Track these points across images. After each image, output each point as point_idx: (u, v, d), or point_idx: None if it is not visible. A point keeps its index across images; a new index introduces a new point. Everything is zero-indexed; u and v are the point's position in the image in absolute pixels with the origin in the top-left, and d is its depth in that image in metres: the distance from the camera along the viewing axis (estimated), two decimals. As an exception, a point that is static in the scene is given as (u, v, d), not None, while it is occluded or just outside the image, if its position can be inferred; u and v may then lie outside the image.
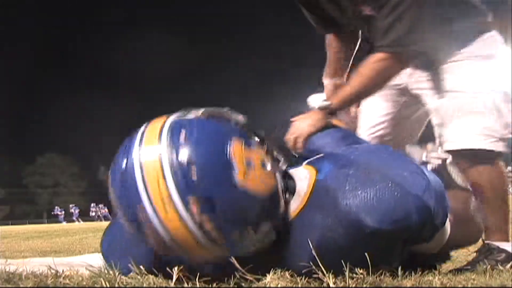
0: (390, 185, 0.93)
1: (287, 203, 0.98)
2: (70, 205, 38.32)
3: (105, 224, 19.95)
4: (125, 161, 0.89)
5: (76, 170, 67.00)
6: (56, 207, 37.72)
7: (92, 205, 36.83)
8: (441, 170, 1.28)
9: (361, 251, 0.93)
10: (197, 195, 0.83)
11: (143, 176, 0.85)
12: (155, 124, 0.93)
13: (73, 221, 32.40)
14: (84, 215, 39.13)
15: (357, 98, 1.62)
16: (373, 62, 1.54)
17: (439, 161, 1.32)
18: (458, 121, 1.58)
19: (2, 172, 60.49)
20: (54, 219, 37.33)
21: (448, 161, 1.33)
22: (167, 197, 0.83)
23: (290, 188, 1.03)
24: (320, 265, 0.94)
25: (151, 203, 0.85)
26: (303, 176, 1.04)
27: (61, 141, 71.92)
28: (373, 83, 1.55)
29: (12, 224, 32.02)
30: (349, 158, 1.02)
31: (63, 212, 36.53)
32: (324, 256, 0.95)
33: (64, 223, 28.67)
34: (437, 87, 1.65)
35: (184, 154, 0.86)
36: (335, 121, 1.44)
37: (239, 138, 0.93)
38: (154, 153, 0.86)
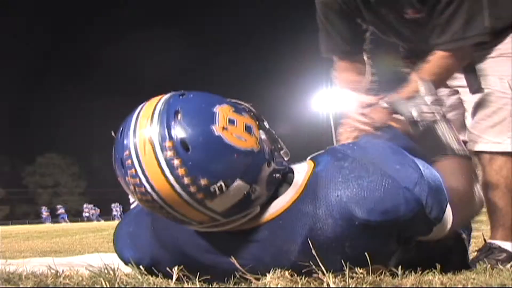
0: (381, 177, 0.94)
1: (277, 189, 1.01)
2: (58, 206, 38.19)
3: (104, 224, 19.92)
4: (121, 127, 0.98)
5: (76, 170, 67.00)
6: (43, 207, 37.57)
7: (85, 205, 36.75)
8: (434, 128, 1.24)
9: (351, 244, 0.94)
10: (173, 139, 0.88)
11: (135, 127, 0.93)
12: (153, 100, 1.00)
13: (59, 222, 32.23)
14: (83, 215, 39.15)
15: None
16: (436, 59, 1.54)
17: (432, 117, 1.25)
18: (491, 120, 1.59)
19: (2, 172, 60.50)
20: (54, 219, 37.28)
21: (440, 119, 1.25)
22: (150, 140, 0.90)
23: (288, 180, 1.05)
24: (315, 253, 0.95)
25: (135, 148, 0.91)
26: (302, 169, 1.06)
27: (61, 141, 71.91)
28: (438, 79, 1.54)
29: (12, 224, 32.01)
30: (346, 152, 1.03)
31: (48, 212, 36.42)
32: (312, 247, 0.96)
33: (48, 224, 28.51)
34: (473, 84, 1.66)
35: (174, 104, 0.94)
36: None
37: (231, 104, 0.98)
38: (148, 108, 0.96)
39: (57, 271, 1.29)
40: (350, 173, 0.97)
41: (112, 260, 1.69)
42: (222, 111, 0.94)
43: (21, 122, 78.76)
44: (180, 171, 0.88)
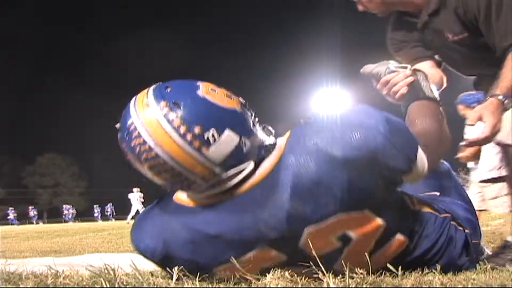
0: (350, 123, 1.07)
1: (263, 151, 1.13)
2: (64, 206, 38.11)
3: (102, 224, 19.81)
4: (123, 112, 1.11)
5: (76, 170, 66.97)
6: (31, 207, 37.44)
7: (64, 206, 36.60)
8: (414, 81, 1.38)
9: (338, 186, 1.03)
10: (167, 101, 1.05)
11: (134, 105, 1.09)
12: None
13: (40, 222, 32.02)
14: (83, 215, 39.09)
15: None
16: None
17: (404, 70, 1.40)
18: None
19: (2, 172, 60.50)
20: (54, 219, 37.22)
21: (412, 71, 1.39)
22: (147, 104, 1.06)
23: (274, 147, 1.16)
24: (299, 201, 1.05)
25: (136, 114, 1.06)
26: (283, 137, 1.17)
27: (61, 141, 71.92)
28: None
29: (12, 224, 32.01)
30: (317, 116, 1.16)
31: (35, 212, 36.33)
32: (301, 193, 1.04)
33: (34, 225, 28.41)
34: None
35: (164, 85, 1.11)
36: None
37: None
38: (142, 94, 1.11)
39: (57, 271, 1.29)
40: (322, 125, 1.10)
41: (112, 260, 1.69)
42: (204, 84, 1.11)
43: (21, 122, 78.78)
44: (176, 123, 1.02)
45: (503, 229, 3.67)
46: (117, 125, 1.11)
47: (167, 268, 1.19)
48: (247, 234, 1.09)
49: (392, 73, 1.42)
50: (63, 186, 65.79)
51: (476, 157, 3.52)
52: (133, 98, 1.11)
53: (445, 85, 1.77)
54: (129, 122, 1.07)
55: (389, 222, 1.13)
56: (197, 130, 1.03)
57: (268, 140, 1.16)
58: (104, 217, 34.44)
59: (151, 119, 1.04)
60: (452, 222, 1.32)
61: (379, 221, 1.12)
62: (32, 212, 35.62)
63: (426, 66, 1.77)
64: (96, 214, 35.44)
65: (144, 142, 1.04)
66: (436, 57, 1.82)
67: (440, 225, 1.28)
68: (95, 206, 37.09)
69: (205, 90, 1.09)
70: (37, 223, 32.37)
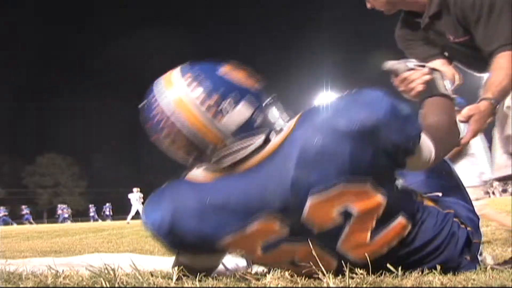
0: (354, 97, 1.14)
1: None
2: (59, 205, 37.84)
3: (102, 224, 19.84)
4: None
5: (76, 170, 66.94)
6: (23, 206, 37.19)
7: (59, 206, 36.33)
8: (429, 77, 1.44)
9: (343, 157, 1.07)
10: (190, 73, 1.15)
11: (160, 78, 1.19)
12: None
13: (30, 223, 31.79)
14: (83, 216, 39.01)
15: (506, 91, 1.60)
16: (498, 66, 1.57)
17: (422, 69, 1.45)
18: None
19: (2, 172, 60.49)
20: (54, 219, 37.15)
21: (430, 69, 1.45)
22: (170, 78, 1.16)
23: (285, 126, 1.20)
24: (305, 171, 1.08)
25: (159, 86, 1.16)
26: (296, 117, 1.21)
27: (61, 141, 71.86)
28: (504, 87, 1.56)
29: (12, 224, 31.99)
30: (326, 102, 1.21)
31: (28, 211, 36.10)
32: (306, 163, 1.08)
33: (28, 225, 28.29)
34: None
35: (189, 63, 1.21)
36: None
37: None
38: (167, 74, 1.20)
39: (57, 271, 1.29)
40: (329, 104, 1.15)
41: (112, 260, 1.69)
42: (226, 64, 1.20)
43: (21, 122, 78.76)
44: (195, 92, 1.11)
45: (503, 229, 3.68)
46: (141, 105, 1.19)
47: (172, 247, 1.22)
48: (253, 202, 1.12)
49: (410, 70, 1.46)
50: (63, 186, 65.77)
51: (457, 156, 3.50)
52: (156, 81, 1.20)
53: (457, 82, 1.79)
54: (151, 94, 1.16)
55: (390, 201, 1.14)
56: (213, 99, 1.11)
57: (282, 122, 1.20)
58: (101, 217, 34.33)
59: (171, 89, 1.13)
60: (454, 219, 1.32)
61: (380, 198, 1.12)
62: (25, 212, 35.39)
63: (438, 64, 1.80)
64: (91, 214, 35.31)
65: (163, 111, 1.12)
66: (446, 54, 1.84)
67: (442, 219, 1.28)
68: (90, 206, 36.95)
69: (227, 68, 1.18)
70: (31, 223, 32.18)
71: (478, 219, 1.43)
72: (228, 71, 1.17)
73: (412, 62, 1.49)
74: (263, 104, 1.18)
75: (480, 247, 1.41)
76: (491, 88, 1.55)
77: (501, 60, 1.58)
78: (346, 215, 1.12)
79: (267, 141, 1.16)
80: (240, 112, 1.13)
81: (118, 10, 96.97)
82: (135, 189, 19.05)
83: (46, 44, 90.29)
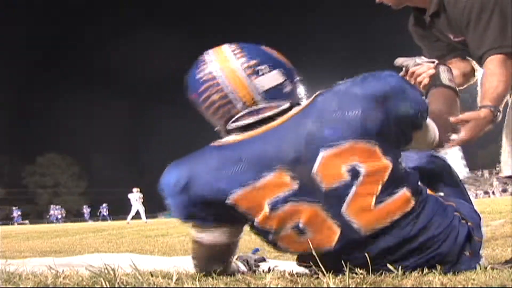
0: (372, 74, 1.26)
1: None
2: (51, 206, 37.43)
3: (102, 224, 19.81)
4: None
5: (76, 170, 66.91)
6: (13, 208, 36.97)
7: (52, 206, 35.98)
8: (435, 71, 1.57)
9: (351, 113, 1.18)
10: (236, 44, 1.30)
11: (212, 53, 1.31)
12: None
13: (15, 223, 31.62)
14: (83, 215, 38.93)
15: (502, 96, 1.63)
16: (493, 65, 1.60)
17: (430, 64, 1.58)
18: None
19: (2, 172, 60.48)
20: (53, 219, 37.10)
21: (437, 63, 1.58)
22: (220, 47, 1.31)
23: None
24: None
25: (208, 52, 1.31)
26: None
27: (61, 141, 71.87)
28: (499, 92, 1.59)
29: (12, 224, 31.99)
30: None
31: (18, 213, 35.94)
32: (321, 119, 1.19)
33: (28, 225, 28.24)
34: None
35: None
36: None
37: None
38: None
39: (57, 271, 1.29)
40: (347, 80, 1.28)
41: (112, 260, 1.69)
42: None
43: (21, 122, 78.73)
44: (238, 54, 1.26)
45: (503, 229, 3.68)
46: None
47: (184, 208, 1.23)
48: (269, 153, 1.19)
49: (418, 65, 1.59)
50: (63, 186, 65.74)
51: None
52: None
53: (477, 76, 1.82)
54: (200, 58, 1.31)
55: (396, 170, 1.20)
56: (252, 62, 1.25)
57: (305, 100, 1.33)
58: (96, 218, 34.21)
59: (218, 51, 1.29)
60: (455, 213, 1.33)
61: (386, 162, 1.19)
62: (16, 213, 35.22)
63: (457, 60, 1.84)
64: (86, 215, 35.20)
65: (207, 66, 1.27)
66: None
67: (443, 209, 1.30)
68: (85, 206, 36.77)
69: (268, 47, 1.33)
70: (20, 223, 32.06)
71: (480, 218, 1.43)
72: (269, 49, 1.32)
73: (420, 58, 1.60)
74: (293, 79, 1.31)
75: (481, 249, 1.41)
76: (487, 95, 1.58)
77: (491, 66, 1.60)
78: (354, 173, 1.18)
79: (291, 109, 1.26)
80: (273, 77, 1.26)
81: (119, 10, 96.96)
82: (135, 189, 19.04)
83: (46, 44, 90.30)
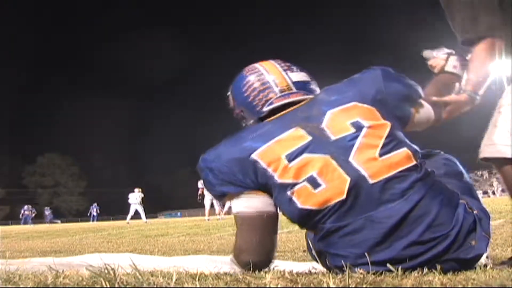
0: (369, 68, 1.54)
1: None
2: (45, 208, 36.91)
3: (102, 224, 19.83)
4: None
5: (76, 170, 66.95)
6: (44, 208, 36.62)
7: (25, 207, 35.44)
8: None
9: (354, 89, 1.45)
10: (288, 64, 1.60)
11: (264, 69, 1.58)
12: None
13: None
14: (84, 215, 38.84)
15: (484, 80, 1.72)
16: (477, 51, 1.67)
17: (443, 56, 1.81)
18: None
19: (2, 172, 60.48)
20: (54, 219, 37.01)
21: (448, 53, 1.80)
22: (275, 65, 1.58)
23: None
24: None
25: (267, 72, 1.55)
26: None
27: (61, 141, 71.88)
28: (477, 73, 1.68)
29: (12, 224, 31.99)
30: None
31: (49, 211, 35.72)
32: (330, 92, 1.48)
33: (28, 225, 28.04)
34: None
35: None
36: None
37: None
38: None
39: (57, 271, 1.29)
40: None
41: (112, 260, 1.69)
42: None
43: (21, 122, 78.73)
44: (277, 59, 1.60)
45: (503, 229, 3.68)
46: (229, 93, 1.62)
47: (218, 173, 1.42)
48: (287, 119, 1.44)
49: (433, 58, 1.82)
50: (63, 186, 65.79)
51: None
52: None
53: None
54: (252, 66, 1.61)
55: (395, 131, 1.39)
56: (287, 63, 1.58)
57: None
58: (87, 218, 33.93)
59: (259, 62, 1.61)
60: (461, 201, 1.36)
61: (385, 122, 1.38)
62: (47, 212, 35.03)
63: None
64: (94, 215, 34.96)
65: (251, 66, 1.60)
66: None
67: (450, 194, 1.37)
68: (93, 207, 36.42)
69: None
70: (52, 222, 31.97)
71: (488, 216, 1.43)
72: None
73: (439, 51, 1.82)
74: (315, 83, 1.59)
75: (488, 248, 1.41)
76: (470, 80, 1.69)
77: (478, 52, 1.66)
78: (358, 126, 1.36)
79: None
80: (302, 75, 1.56)
81: (119, 10, 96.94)
82: (136, 189, 19.02)
83: (47, 44, 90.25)
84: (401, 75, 1.51)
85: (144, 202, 18.96)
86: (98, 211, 33.65)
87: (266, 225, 1.41)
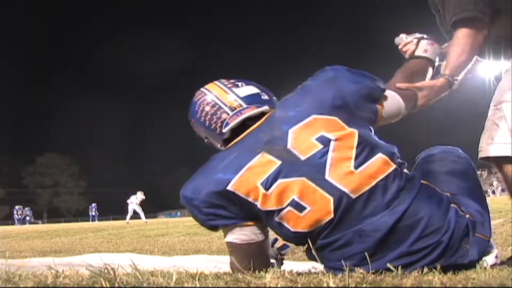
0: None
1: None
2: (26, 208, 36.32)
3: (102, 224, 19.87)
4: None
5: (76, 170, 66.91)
6: (26, 209, 36.06)
7: (16, 207, 34.97)
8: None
9: (309, 98, 1.40)
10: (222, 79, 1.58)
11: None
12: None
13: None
14: (83, 215, 38.78)
15: (463, 66, 1.71)
16: (460, 34, 1.66)
17: (414, 40, 1.78)
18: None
19: (2, 172, 60.45)
20: (54, 219, 36.94)
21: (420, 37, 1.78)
22: (210, 83, 1.56)
23: None
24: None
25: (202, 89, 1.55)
26: None
27: (61, 141, 71.86)
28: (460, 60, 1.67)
29: (12, 224, 31.97)
30: None
31: (27, 212, 35.28)
32: (286, 106, 1.43)
33: (28, 225, 27.84)
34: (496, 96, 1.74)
35: None
36: None
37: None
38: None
39: (57, 271, 1.29)
40: None
41: (112, 260, 1.69)
42: None
43: (21, 122, 78.73)
44: (223, 79, 1.55)
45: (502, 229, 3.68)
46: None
47: (201, 208, 1.39)
48: (251, 143, 1.39)
49: (404, 42, 1.80)
50: (63, 186, 65.77)
51: None
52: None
53: None
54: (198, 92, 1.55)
55: (366, 137, 1.34)
56: (232, 80, 1.53)
57: None
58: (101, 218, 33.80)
59: (208, 84, 1.55)
60: (452, 205, 1.35)
61: (351, 130, 1.33)
62: (20, 213, 34.51)
63: None
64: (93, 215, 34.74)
65: (199, 92, 1.53)
66: None
67: (439, 197, 1.36)
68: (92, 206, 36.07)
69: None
70: (32, 223, 31.63)
71: (488, 217, 1.43)
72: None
73: (411, 36, 1.79)
74: (268, 93, 1.54)
75: (492, 243, 1.41)
76: (449, 64, 1.67)
77: (458, 35, 1.66)
78: (324, 141, 1.32)
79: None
80: (249, 88, 1.50)
81: (119, 10, 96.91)
82: (139, 192, 19.07)
83: (46, 44, 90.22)
84: (357, 72, 1.46)
85: (144, 202, 19.01)
86: (97, 212, 33.55)
87: (254, 252, 1.42)
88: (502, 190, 29.02)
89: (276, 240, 1.68)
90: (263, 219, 1.37)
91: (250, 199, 1.33)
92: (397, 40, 1.83)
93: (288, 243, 1.68)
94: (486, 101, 1.80)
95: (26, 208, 35.08)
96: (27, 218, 33.43)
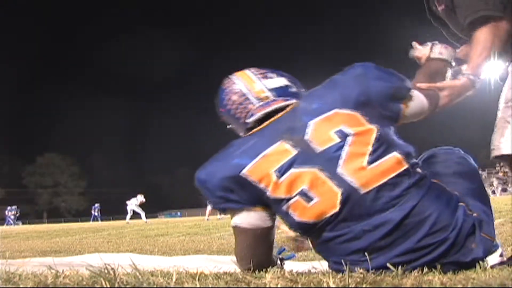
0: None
1: None
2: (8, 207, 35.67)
3: (102, 224, 19.87)
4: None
5: (76, 170, 66.88)
6: (11, 208, 35.67)
7: (8, 208, 34.50)
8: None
9: (334, 92, 1.41)
10: (254, 67, 1.58)
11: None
12: None
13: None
14: (84, 215, 38.76)
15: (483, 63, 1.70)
16: (479, 33, 1.66)
17: (427, 46, 1.79)
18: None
19: (2, 172, 60.45)
20: (54, 219, 36.94)
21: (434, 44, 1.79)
22: (239, 72, 1.57)
23: None
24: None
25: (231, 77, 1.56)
26: None
27: (61, 141, 71.84)
28: (481, 56, 1.67)
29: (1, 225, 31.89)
30: None
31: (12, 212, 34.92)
32: (310, 98, 1.44)
33: (28, 225, 27.60)
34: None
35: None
36: None
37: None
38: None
39: (57, 271, 1.29)
40: None
41: (112, 260, 1.69)
42: None
43: (21, 122, 78.73)
44: (253, 69, 1.55)
45: (502, 229, 3.68)
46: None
47: (214, 190, 1.41)
48: (273, 131, 1.40)
49: (417, 49, 1.81)
50: (63, 186, 65.75)
51: None
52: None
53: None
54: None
55: (384, 135, 1.35)
56: (263, 71, 1.53)
57: None
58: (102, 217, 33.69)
59: (237, 73, 1.56)
60: (460, 203, 1.35)
61: (370, 126, 1.34)
62: (10, 212, 34.22)
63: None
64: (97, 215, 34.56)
65: (228, 79, 1.54)
66: None
67: (448, 196, 1.35)
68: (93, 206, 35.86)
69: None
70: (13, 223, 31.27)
71: (492, 217, 1.43)
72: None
73: (425, 44, 1.79)
74: (297, 85, 1.54)
75: (498, 243, 1.41)
76: (471, 64, 1.66)
77: (478, 35, 1.65)
78: (343, 135, 1.33)
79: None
80: (279, 80, 1.51)
81: (119, 10, 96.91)
82: (139, 195, 19.09)
83: (46, 44, 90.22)
84: (385, 70, 1.46)
85: (144, 202, 19.02)
86: (99, 212, 33.44)
87: (259, 239, 1.44)
88: (502, 190, 29.03)
89: (283, 249, 1.68)
90: (272, 206, 1.38)
91: (261, 186, 1.35)
92: (411, 53, 1.84)
93: (294, 253, 1.71)
94: (489, 101, 1.80)
95: (9, 207, 34.49)
96: (11, 217, 33.03)
